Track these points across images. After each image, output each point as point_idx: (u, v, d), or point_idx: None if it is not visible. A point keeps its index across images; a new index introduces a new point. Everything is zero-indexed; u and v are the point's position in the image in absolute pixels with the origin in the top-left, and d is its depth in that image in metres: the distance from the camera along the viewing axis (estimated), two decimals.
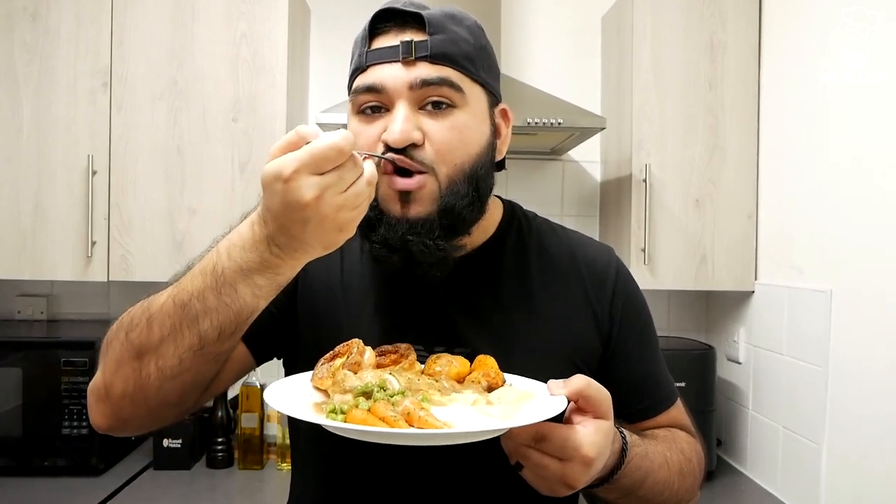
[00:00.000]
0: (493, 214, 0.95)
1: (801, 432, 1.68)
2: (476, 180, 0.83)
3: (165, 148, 1.91)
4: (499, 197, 0.98)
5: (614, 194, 2.14)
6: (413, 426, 0.67)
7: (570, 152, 2.27)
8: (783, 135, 1.84)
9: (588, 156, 2.29)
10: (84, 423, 1.81)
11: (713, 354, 1.96)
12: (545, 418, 0.68)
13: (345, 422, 0.68)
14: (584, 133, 1.91)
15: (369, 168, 0.68)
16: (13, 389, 1.81)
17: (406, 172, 0.80)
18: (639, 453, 0.81)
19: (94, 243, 1.88)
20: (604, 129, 1.86)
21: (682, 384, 1.87)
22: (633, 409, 0.94)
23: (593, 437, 0.70)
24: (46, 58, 1.88)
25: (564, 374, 0.81)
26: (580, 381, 0.72)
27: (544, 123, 1.77)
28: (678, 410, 0.98)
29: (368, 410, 0.70)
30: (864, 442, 1.47)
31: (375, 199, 0.81)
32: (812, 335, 1.63)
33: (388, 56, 0.80)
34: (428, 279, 0.85)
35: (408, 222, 0.80)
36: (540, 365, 0.85)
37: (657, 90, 1.95)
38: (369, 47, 0.83)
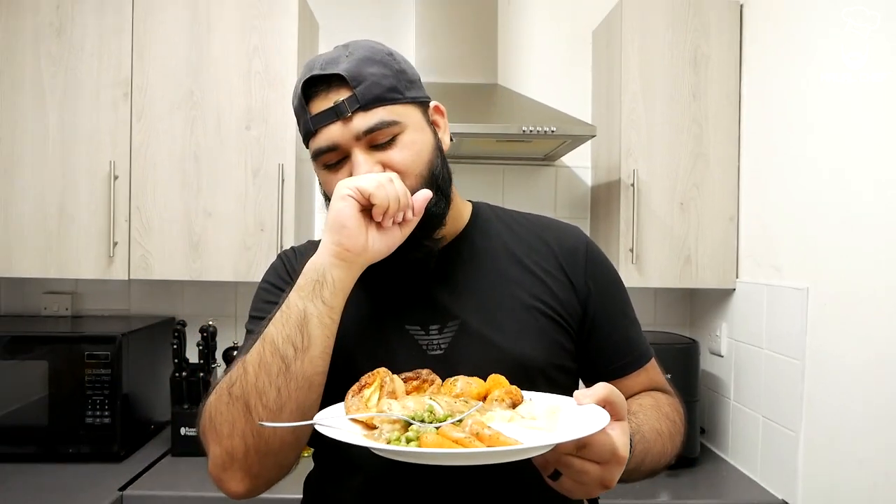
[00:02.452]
0: (463, 213, 1.00)
1: (780, 421, 1.68)
2: (435, 179, 0.90)
3: (183, 154, 1.91)
4: (469, 201, 1.04)
5: (604, 198, 2.14)
6: (485, 445, 0.66)
7: (562, 158, 2.27)
8: (763, 142, 1.84)
9: (579, 162, 2.29)
10: (106, 413, 1.81)
11: (697, 348, 1.96)
12: (602, 426, 0.68)
13: (419, 447, 0.67)
14: (576, 140, 1.90)
15: None
16: (40, 381, 1.81)
17: None
18: (638, 440, 0.83)
19: (115, 244, 1.88)
20: (594, 136, 1.85)
21: (668, 376, 1.85)
22: (614, 366, 0.98)
23: (623, 438, 0.72)
24: (71, 70, 1.88)
25: (545, 326, 0.91)
26: (604, 389, 0.73)
27: (538, 131, 1.77)
28: (654, 370, 1.02)
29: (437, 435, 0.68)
30: (838, 430, 1.47)
31: None
32: (790, 330, 1.63)
33: (328, 118, 0.86)
34: (418, 269, 0.92)
35: None
36: (525, 321, 0.91)
37: (644, 100, 1.95)
38: (310, 114, 0.88)
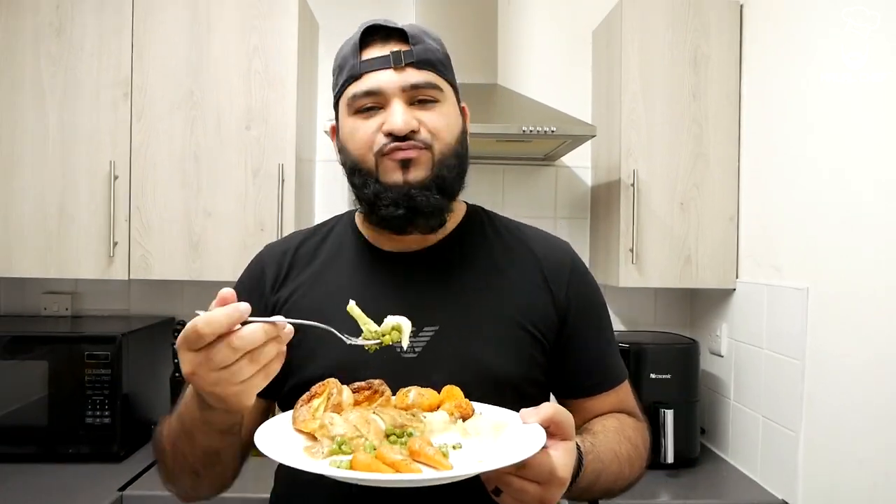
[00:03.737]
0: (458, 212, 1.02)
1: (780, 421, 1.68)
2: (460, 155, 0.95)
3: (183, 154, 1.91)
4: (465, 202, 1.06)
5: (604, 198, 2.14)
6: (420, 462, 0.68)
7: (562, 158, 2.27)
8: (763, 142, 1.84)
9: (580, 162, 2.29)
10: (106, 413, 1.81)
11: (697, 348, 1.96)
12: (536, 451, 0.69)
13: (350, 467, 0.68)
14: (576, 140, 1.90)
15: (254, 341, 0.66)
16: (40, 381, 1.81)
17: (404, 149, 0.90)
18: (592, 460, 0.84)
19: (115, 244, 1.88)
20: (594, 136, 1.85)
21: (668, 376, 1.89)
22: (585, 385, 0.98)
23: (565, 459, 0.73)
24: (71, 69, 1.88)
25: (521, 338, 0.92)
26: (550, 409, 0.74)
27: (538, 131, 1.77)
28: (626, 393, 1.02)
29: (375, 455, 0.70)
30: (838, 430, 1.47)
31: (375, 176, 0.91)
32: (790, 330, 1.63)
33: (380, 64, 0.90)
34: (426, 231, 0.94)
35: (409, 185, 0.89)
36: (502, 333, 0.92)
37: (644, 100, 1.95)
38: (360, 59, 0.91)
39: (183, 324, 1.93)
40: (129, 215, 1.90)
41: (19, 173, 1.88)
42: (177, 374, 1.90)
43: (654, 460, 1.79)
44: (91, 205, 1.89)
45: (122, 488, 1.65)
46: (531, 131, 1.77)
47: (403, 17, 2.21)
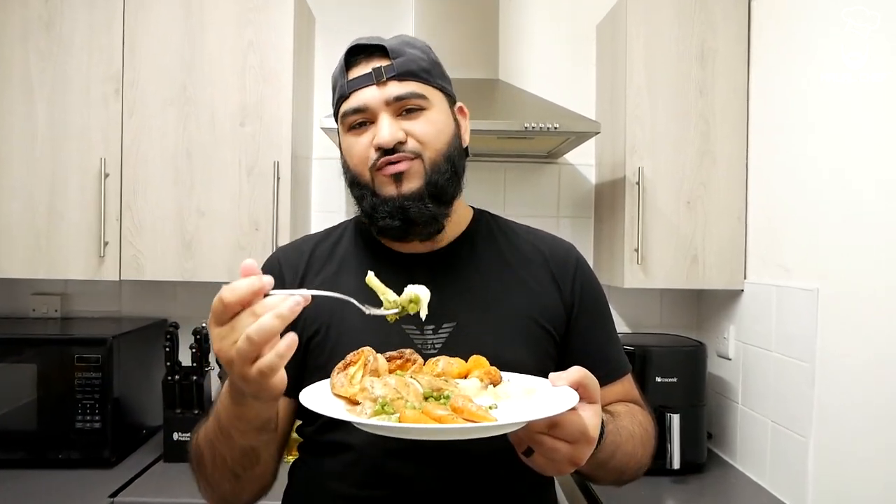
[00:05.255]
0: (465, 215, 1.08)
1: (789, 426, 1.68)
2: (452, 159, 0.99)
3: (175, 151, 1.91)
4: (471, 206, 1.12)
5: (608, 196, 2.14)
6: (465, 418, 0.72)
7: (565, 156, 2.27)
8: (771, 139, 1.84)
9: (583, 159, 2.29)
10: (97, 418, 1.81)
11: (704, 351, 1.96)
12: (570, 406, 0.73)
13: (400, 422, 0.72)
14: (580, 137, 1.90)
15: (266, 319, 0.65)
16: (29, 385, 1.81)
17: (395, 162, 0.96)
18: (611, 430, 0.89)
19: (106, 243, 1.88)
20: (598, 133, 1.85)
21: (674, 379, 1.89)
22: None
23: (593, 419, 0.78)
24: (60, 64, 1.88)
25: (535, 333, 0.99)
26: (578, 372, 0.79)
27: (541, 128, 1.77)
28: (630, 384, 1.09)
29: (421, 411, 0.74)
30: (849, 435, 1.47)
31: (371, 189, 0.97)
32: (799, 332, 1.63)
33: (364, 82, 0.96)
34: (425, 238, 1.00)
35: (402, 196, 0.96)
36: (518, 328, 0.99)
37: (650, 96, 1.95)
38: (347, 78, 0.98)
39: (176, 325, 1.94)
40: (121, 214, 1.90)
41: (7, 171, 1.88)
42: (169, 378, 1.90)
43: (660, 466, 1.80)
44: (81, 203, 1.89)
45: (114, 494, 1.65)
46: (533, 128, 1.77)
47: (403, 13, 2.24)
